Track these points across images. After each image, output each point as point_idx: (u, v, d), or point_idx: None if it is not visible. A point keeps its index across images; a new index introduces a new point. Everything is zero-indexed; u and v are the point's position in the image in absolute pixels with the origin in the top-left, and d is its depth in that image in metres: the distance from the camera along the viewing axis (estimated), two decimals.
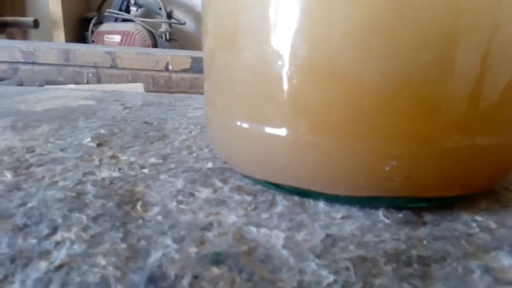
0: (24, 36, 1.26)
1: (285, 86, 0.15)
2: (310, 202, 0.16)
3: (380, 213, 0.15)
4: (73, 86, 0.49)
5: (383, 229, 0.14)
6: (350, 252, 0.13)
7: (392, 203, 0.16)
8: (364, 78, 0.14)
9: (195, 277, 0.11)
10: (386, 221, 0.15)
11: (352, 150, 0.15)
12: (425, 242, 0.13)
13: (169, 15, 1.41)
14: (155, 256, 0.12)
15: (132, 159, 0.20)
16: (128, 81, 0.57)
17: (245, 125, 0.16)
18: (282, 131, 0.15)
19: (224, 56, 0.17)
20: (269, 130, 0.16)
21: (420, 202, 0.16)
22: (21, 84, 0.54)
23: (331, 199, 0.16)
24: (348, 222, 0.14)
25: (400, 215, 0.15)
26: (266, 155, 0.16)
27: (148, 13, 1.49)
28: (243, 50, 0.16)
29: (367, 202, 0.16)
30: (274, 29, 0.15)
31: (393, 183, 0.15)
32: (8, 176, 0.17)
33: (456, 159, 0.15)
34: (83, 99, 0.34)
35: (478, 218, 0.15)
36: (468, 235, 0.14)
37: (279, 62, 0.15)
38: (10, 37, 1.03)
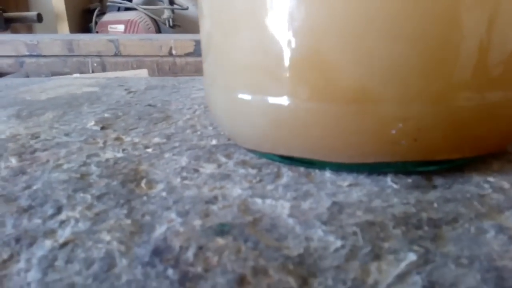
0: (29, 31, 1.26)
1: (284, 52, 0.14)
2: (316, 172, 0.16)
3: (389, 179, 0.15)
4: (77, 75, 0.49)
5: (392, 194, 0.14)
6: (357, 218, 0.12)
7: (401, 168, 0.15)
8: (368, 38, 0.14)
9: (200, 248, 0.11)
10: (395, 186, 0.14)
11: (356, 114, 0.14)
12: (435, 204, 0.13)
13: (171, 1, 1.40)
14: (159, 230, 0.12)
15: (136, 140, 0.20)
16: (133, 68, 0.57)
17: (246, 97, 0.16)
18: (284, 100, 0.15)
19: (222, 33, 0.16)
20: (271, 100, 0.15)
21: (429, 166, 0.15)
22: (27, 77, 0.54)
23: (338, 167, 0.16)
24: (355, 189, 0.14)
25: (410, 180, 0.15)
26: (269, 126, 0.16)
27: (150, 0, 1.48)
28: (240, 23, 0.15)
29: (375, 169, 0.15)
30: None
31: (400, 147, 0.15)
32: (13, 161, 0.17)
33: (466, 118, 0.15)
34: (88, 86, 0.34)
35: (491, 179, 0.15)
36: (480, 196, 0.14)
37: (276, 27, 0.14)
38: (15, 32, 1.03)
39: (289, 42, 0.14)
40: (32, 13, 0.95)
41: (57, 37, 0.60)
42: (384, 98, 0.14)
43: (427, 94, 0.14)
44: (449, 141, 0.15)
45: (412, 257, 0.10)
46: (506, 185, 0.14)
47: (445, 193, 0.14)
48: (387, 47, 0.14)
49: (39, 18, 0.93)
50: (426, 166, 0.15)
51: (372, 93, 0.14)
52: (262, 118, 0.16)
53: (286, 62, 0.15)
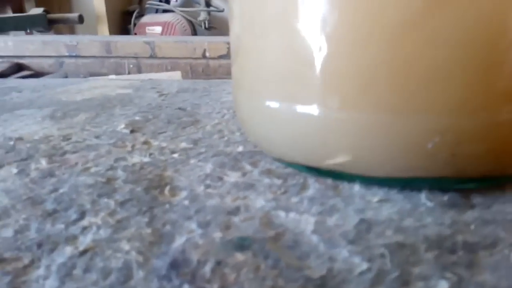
0: (71, 31, 1.32)
1: (315, 59, 0.14)
2: (344, 185, 0.15)
3: (423, 196, 0.14)
4: (113, 76, 0.50)
5: (425, 213, 0.13)
6: (386, 238, 0.12)
7: (436, 184, 0.14)
8: (406, 45, 0.13)
9: (218, 263, 0.11)
10: (429, 204, 0.13)
11: (389, 126, 0.13)
12: (472, 226, 0.12)
13: (208, 3, 1.42)
14: (179, 241, 0.12)
15: (164, 144, 0.20)
16: (167, 70, 0.57)
17: (274, 105, 0.16)
18: (313, 109, 0.14)
19: (251, 37, 0.16)
20: (300, 108, 0.15)
21: (468, 183, 0.14)
22: (66, 77, 0.56)
23: (368, 181, 0.15)
24: (386, 206, 0.13)
25: (445, 198, 0.14)
26: (296, 135, 0.16)
27: (188, 2, 1.50)
28: (270, 27, 0.15)
29: (408, 184, 0.15)
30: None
31: (436, 162, 0.14)
32: (43, 163, 0.17)
33: (511, 133, 0.14)
34: (122, 88, 0.35)
35: None
36: None
37: (308, 33, 0.14)
38: (58, 32, 1.07)
39: (321, 48, 0.14)
40: (74, 15, 0.98)
41: (95, 39, 0.62)
42: (421, 108, 0.13)
43: (468, 105, 0.13)
44: (491, 157, 0.14)
45: (444, 285, 0.10)
46: None
47: (484, 213, 0.13)
48: (426, 53, 0.13)
49: (81, 19, 0.97)
50: (464, 183, 0.14)
51: (407, 103, 0.13)
52: (290, 127, 0.16)
53: (317, 69, 0.14)
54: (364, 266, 0.10)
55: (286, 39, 0.15)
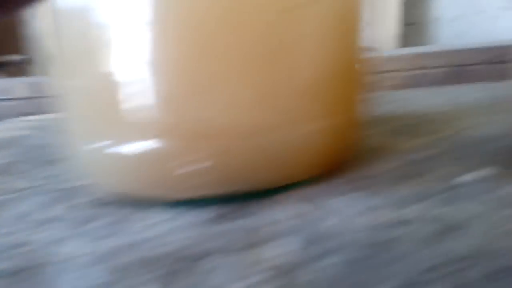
0: (26, 73, 1.31)
1: (108, 101, 0.16)
2: (145, 211, 0.16)
3: (202, 213, 0.15)
4: (31, 117, 0.51)
5: (185, 228, 0.14)
6: (129, 258, 0.13)
7: (224, 200, 0.16)
8: (171, 74, 0.15)
9: None
10: (196, 220, 0.15)
11: (159, 153, 0.15)
12: (212, 238, 0.14)
13: None
14: None
15: (10, 184, 0.21)
16: None
17: (82, 144, 0.17)
18: (112, 146, 0.16)
19: (62, 76, 0.18)
20: (104, 147, 0.16)
21: (244, 197, 0.16)
22: None
23: (168, 204, 0.16)
24: (161, 226, 0.15)
25: (220, 212, 0.15)
26: (102, 169, 0.17)
27: None
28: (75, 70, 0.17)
29: (191, 204, 0.16)
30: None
31: (208, 182, 0.15)
32: None
33: (278, 151, 0.16)
34: (25, 130, 0.36)
35: (296, 206, 0.15)
36: (264, 225, 0.14)
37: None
38: (12, 75, 1.07)
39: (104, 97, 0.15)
40: (23, 57, 0.99)
41: (25, 80, 0.64)
42: (187, 135, 0.15)
43: (236, 129, 0.15)
44: (260, 173, 0.16)
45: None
46: (307, 211, 0.15)
47: (237, 225, 0.14)
48: (194, 84, 0.15)
49: (30, 61, 0.98)
50: (239, 198, 0.16)
51: (177, 131, 0.15)
52: (100, 163, 0.17)
53: (109, 110, 0.16)
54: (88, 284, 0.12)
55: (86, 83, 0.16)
